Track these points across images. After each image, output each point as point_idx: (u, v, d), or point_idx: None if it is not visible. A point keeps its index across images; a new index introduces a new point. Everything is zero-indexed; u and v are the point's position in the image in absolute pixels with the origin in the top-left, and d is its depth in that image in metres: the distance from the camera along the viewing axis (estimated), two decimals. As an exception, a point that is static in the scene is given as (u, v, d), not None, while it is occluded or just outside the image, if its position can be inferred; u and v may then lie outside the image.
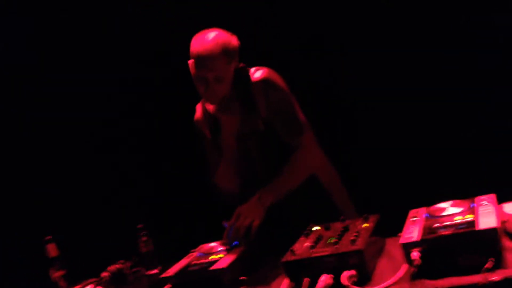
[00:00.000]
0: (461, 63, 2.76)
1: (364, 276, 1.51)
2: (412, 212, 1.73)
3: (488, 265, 1.33)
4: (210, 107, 2.25)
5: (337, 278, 1.50)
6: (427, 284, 1.38)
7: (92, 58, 3.37)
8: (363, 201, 2.25)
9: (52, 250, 2.36)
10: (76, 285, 2.19)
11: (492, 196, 1.64)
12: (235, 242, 1.96)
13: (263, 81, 2.10)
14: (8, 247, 2.97)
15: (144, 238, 2.29)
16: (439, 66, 2.81)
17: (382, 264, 1.62)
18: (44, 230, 2.34)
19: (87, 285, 2.16)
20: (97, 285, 2.16)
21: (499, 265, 1.34)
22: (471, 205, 1.59)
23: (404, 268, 1.47)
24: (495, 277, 1.29)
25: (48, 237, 2.35)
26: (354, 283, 1.48)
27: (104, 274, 2.21)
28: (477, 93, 2.76)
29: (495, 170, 2.62)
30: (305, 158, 2.12)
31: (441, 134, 2.80)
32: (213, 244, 2.02)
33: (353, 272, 1.49)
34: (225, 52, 2.01)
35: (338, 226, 1.78)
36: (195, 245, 2.12)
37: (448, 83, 2.81)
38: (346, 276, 1.48)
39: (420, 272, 1.41)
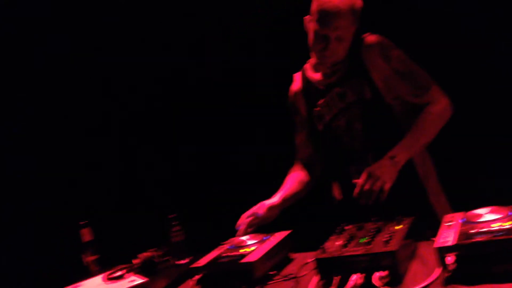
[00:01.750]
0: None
1: (396, 278, 1.50)
2: (447, 217, 1.70)
3: (526, 274, 1.30)
4: (315, 75, 2.15)
5: (368, 279, 1.49)
6: (460, 289, 1.36)
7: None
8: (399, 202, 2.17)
9: (86, 234, 2.43)
10: (109, 270, 2.24)
11: (533, 204, 1.60)
12: (266, 237, 1.93)
13: (381, 43, 2.02)
14: (43, 230, 3.04)
15: (176, 228, 2.31)
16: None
17: (415, 268, 1.59)
18: (80, 215, 2.40)
19: (118, 270, 2.20)
20: (128, 271, 2.20)
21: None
22: (510, 213, 1.55)
23: (437, 272, 1.45)
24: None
25: (84, 222, 2.41)
26: (386, 284, 1.47)
27: (135, 261, 2.26)
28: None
29: None
30: (439, 111, 1.98)
31: (486, 138, 2.72)
32: (244, 237, 2.03)
33: (385, 273, 1.48)
34: (352, 11, 1.95)
35: (371, 226, 1.77)
36: (226, 237, 2.13)
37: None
38: (377, 276, 1.47)
39: (453, 278, 1.39)
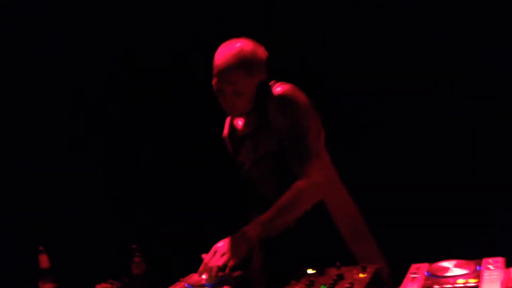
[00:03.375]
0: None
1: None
2: (413, 267, 1.61)
3: None
4: (238, 123, 2.14)
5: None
6: None
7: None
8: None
9: (44, 261, 2.33)
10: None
11: (500, 260, 1.51)
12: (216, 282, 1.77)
13: (280, 98, 1.94)
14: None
15: (137, 260, 2.23)
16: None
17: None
18: (38, 241, 2.31)
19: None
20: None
21: None
22: (477, 268, 1.47)
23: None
24: None
25: (41, 248, 2.32)
26: None
27: (93, 293, 2.17)
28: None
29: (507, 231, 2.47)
30: (305, 189, 1.87)
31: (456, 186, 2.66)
32: (204, 276, 1.93)
33: (340, 328, 1.39)
34: (244, 64, 1.90)
35: (332, 272, 1.68)
36: (189, 270, 2.04)
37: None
38: (332, 332, 1.38)
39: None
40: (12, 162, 3.29)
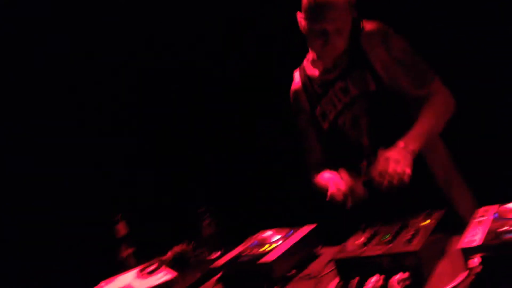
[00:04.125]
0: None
1: (419, 280, 1.39)
2: (481, 210, 1.55)
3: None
4: (314, 72, 2.03)
5: (388, 281, 1.39)
6: (485, 295, 1.24)
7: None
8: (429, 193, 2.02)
9: (121, 228, 2.46)
10: (144, 262, 2.27)
11: None
12: None
13: (382, 30, 1.87)
14: (77, 225, 3.12)
15: (206, 221, 2.30)
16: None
17: (442, 267, 1.48)
18: (114, 209, 2.44)
19: (151, 264, 2.22)
20: (161, 265, 2.21)
21: None
22: (549, 207, 1.40)
23: (462, 275, 1.33)
24: None
25: (118, 216, 2.45)
26: (407, 286, 1.36)
27: (168, 255, 2.27)
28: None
29: None
30: (444, 102, 1.83)
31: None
32: (270, 232, 1.97)
33: (405, 275, 1.38)
34: (348, 1, 1.83)
35: (397, 222, 1.65)
36: (259, 229, 2.09)
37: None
38: (396, 280, 1.37)
39: (480, 281, 1.27)
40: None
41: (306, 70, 2.08)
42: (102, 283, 2.23)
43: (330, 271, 1.63)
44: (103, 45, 3.38)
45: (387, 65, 1.85)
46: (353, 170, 1.87)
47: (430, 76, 1.85)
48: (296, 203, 2.28)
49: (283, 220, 2.13)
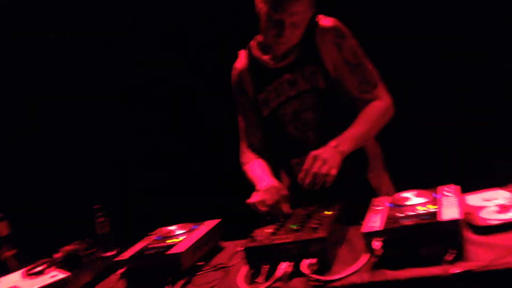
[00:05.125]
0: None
1: (325, 265, 1.48)
2: (375, 200, 1.70)
3: (449, 256, 1.31)
4: (263, 56, 1.99)
5: (297, 267, 1.46)
6: (387, 274, 1.35)
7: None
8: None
9: (3, 228, 2.27)
10: (28, 265, 2.10)
11: (457, 188, 1.62)
12: None
13: (336, 28, 1.88)
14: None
15: (101, 219, 2.20)
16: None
17: (344, 253, 1.59)
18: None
19: (39, 265, 2.07)
20: (50, 265, 2.07)
21: (460, 257, 1.33)
22: (435, 196, 1.57)
23: (365, 257, 1.45)
24: (455, 269, 1.27)
25: (1, 215, 2.25)
26: (314, 272, 1.44)
27: (58, 255, 2.14)
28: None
29: (459, 161, 2.63)
30: (382, 108, 1.89)
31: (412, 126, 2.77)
32: (171, 227, 1.95)
33: (313, 260, 1.46)
34: None
35: (301, 212, 1.74)
36: (154, 228, 2.06)
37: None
38: (306, 264, 1.45)
39: (381, 262, 1.39)
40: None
41: (253, 52, 2.04)
42: (-22, 288, 2.03)
43: (240, 260, 1.65)
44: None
45: (336, 63, 1.89)
46: (287, 165, 1.90)
47: (375, 81, 1.92)
48: (193, 200, 2.28)
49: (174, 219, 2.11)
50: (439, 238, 1.35)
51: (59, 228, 2.61)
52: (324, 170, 1.70)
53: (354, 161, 1.86)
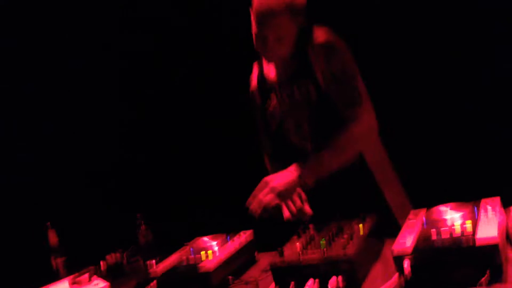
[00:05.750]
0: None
1: (354, 283, 1.42)
2: (411, 213, 1.61)
3: (484, 279, 1.22)
4: (268, 70, 2.05)
5: (324, 284, 1.42)
6: (416, 297, 1.28)
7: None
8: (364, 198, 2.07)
9: (52, 237, 2.37)
10: (75, 272, 2.18)
11: (496, 200, 1.51)
12: None
13: (325, 44, 1.86)
14: (9, 235, 2.99)
15: (143, 228, 2.25)
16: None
17: (376, 270, 1.52)
18: (46, 218, 2.34)
19: (84, 273, 2.14)
20: (95, 273, 2.14)
21: (499, 279, 1.23)
22: (474, 210, 1.47)
23: (395, 278, 1.37)
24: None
25: (48, 224, 2.35)
26: (343, 290, 1.39)
27: (102, 263, 2.20)
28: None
29: (501, 172, 2.46)
30: (360, 131, 1.83)
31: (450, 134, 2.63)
32: (206, 238, 1.96)
33: (339, 279, 1.41)
34: (290, 9, 1.81)
35: (332, 225, 1.69)
36: (194, 235, 2.07)
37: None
38: (332, 283, 1.40)
39: (411, 284, 1.31)
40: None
41: (263, 66, 2.09)
42: (31, 295, 2.13)
43: (267, 276, 1.63)
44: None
45: (326, 78, 1.87)
46: None
47: (359, 100, 1.85)
48: (228, 209, 2.27)
49: (216, 227, 2.11)
50: (474, 260, 1.26)
51: (106, 236, 2.68)
52: (266, 199, 1.69)
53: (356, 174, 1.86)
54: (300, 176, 1.75)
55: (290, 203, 1.73)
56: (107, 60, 3.36)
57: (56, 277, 2.28)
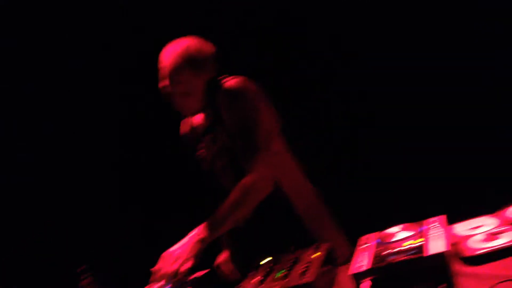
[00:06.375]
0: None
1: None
2: (363, 238, 1.67)
3: (439, 292, 1.27)
4: (195, 119, 2.12)
5: (287, 314, 1.42)
6: (379, 316, 1.32)
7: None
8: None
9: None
10: None
11: (443, 218, 1.60)
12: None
13: (227, 92, 1.90)
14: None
15: (86, 281, 2.15)
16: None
17: (334, 296, 1.55)
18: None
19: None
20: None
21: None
22: (422, 228, 1.54)
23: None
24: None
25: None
26: (305, 318, 1.40)
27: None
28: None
29: (445, 191, 2.61)
30: (251, 185, 1.82)
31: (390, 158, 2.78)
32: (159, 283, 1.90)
33: (302, 307, 1.42)
34: (190, 63, 1.87)
35: (288, 257, 1.71)
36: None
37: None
38: (295, 312, 1.41)
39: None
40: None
41: (188, 117, 2.16)
42: None
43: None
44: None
45: (228, 126, 1.93)
46: None
47: (255, 149, 1.85)
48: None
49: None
50: (427, 273, 1.32)
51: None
52: (174, 268, 1.70)
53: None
54: (194, 237, 1.76)
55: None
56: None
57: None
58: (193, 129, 2.14)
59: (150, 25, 3.23)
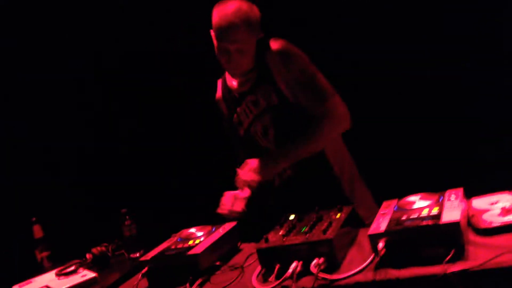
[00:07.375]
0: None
1: (334, 264, 1.56)
2: (384, 204, 1.77)
3: (449, 257, 1.38)
4: (231, 82, 2.20)
5: (306, 266, 1.55)
6: (390, 273, 1.43)
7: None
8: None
9: (37, 230, 2.43)
10: (59, 265, 2.25)
11: (460, 190, 1.68)
12: None
13: (283, 51, 2.02)
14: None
15: (128, 222, 2.34)
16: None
17: (352, 254, 1.66)
18: (31, 212, 2.40)
19: (70, 266, 2.21)
20: (80, 266, 2.22)
21: (460, 257, 1.39)
22: (439, 199, 1.64)
23: (370, 257, 1.53)
24: (454, 268, 1.33)
25: (34, 219, 2.41)
26: (323, 271, 1.53)
27: (88, 256, 2.28)
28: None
29: (466, 165, 2.67)
30: (329, 124, 2.01)
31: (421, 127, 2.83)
32: (193, 229, 2.06)
33: (321, 260, 1.54)
34: (247, 23, 1.97)
35: (312, 216, 1.83)
36: (179, 229, 2.17)
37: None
38: (314, 263, 1.53)
39: (385, 262, 1.46)
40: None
41: (226, 80, 2.25)
42: (15, 287, 2.18)
43: (255, 261, 1.75)
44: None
45: (288, 83, 2.04)
46: None
47: (324, 97, 2.00)
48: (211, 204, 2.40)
49: (200, 220, 2.23)
50: (440, 240, 1.42)
51: (90, 231, 2.75)
52: (246, 178, 2.00)
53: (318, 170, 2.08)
54: (274, 159, 2.02)
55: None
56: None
57: (41, 271, 2.34)
58: (230, 93, 2.23)
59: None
